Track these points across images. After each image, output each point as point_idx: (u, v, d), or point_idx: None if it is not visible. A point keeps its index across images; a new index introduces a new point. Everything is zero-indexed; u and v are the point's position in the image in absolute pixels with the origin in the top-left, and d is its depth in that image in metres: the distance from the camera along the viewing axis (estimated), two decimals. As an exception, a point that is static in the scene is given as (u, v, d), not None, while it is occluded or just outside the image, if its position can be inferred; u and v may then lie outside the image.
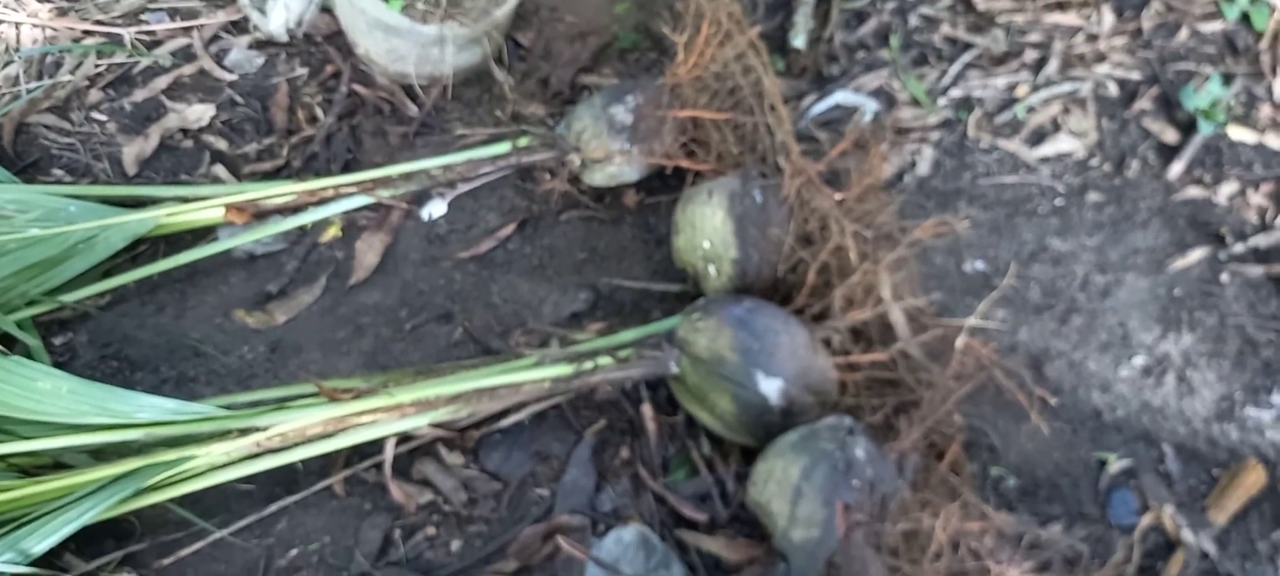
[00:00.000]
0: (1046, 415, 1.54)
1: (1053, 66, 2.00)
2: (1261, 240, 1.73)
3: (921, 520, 1.24)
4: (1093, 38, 2.04)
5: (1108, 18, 2.06)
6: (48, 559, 1.29)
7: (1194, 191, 1.83)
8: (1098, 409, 1.58)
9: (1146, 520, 1.43)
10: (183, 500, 1.36)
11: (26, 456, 1.37)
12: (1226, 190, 1.83)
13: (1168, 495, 1.46)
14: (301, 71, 1.88)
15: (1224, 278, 1.72)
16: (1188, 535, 1.40)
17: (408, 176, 1.67)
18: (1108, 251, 1.76)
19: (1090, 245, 1.77)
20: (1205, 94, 1.89)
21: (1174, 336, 1.66)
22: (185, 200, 1.60)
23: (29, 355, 1.45)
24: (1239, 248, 1.74)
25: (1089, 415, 1.57)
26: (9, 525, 1.29)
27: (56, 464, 1.38)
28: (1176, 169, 1.85)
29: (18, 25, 1.87)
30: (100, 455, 1.37)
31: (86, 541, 1.36)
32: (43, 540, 1.26)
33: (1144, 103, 1.93)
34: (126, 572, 1.36)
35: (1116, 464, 1.50)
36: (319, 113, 1.82)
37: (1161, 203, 1.82)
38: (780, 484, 1.28)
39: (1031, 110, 1.94)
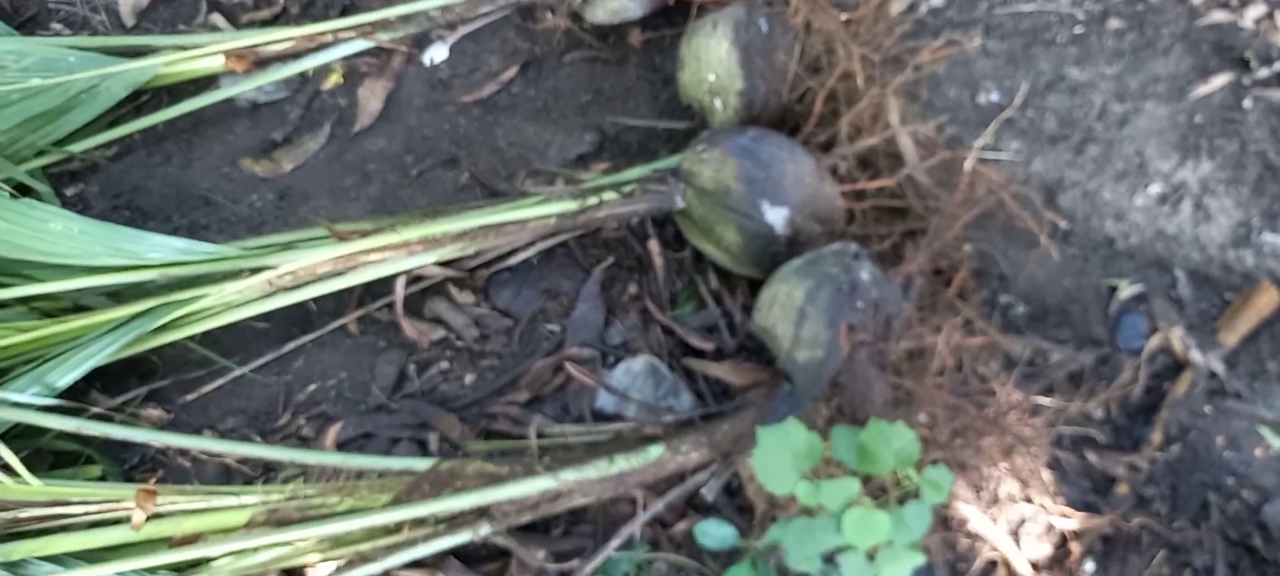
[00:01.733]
0: (1058, 243, 1.53)
1: (1076, -111, 1.91)
2: (1287, 62, 1.68)
3: (924, 338, 1.24)
4: None
5: None
6: (74, 395, 1.33)
7: (1219, 15, 1.77)
8: (1110, 237, 1.56)
9: (1155, 342, 1.42)
10: (202, 339, 1.39)
11: (46, 299, 1.41)
12: (1253, 13, 1.76)
13: (1178, 319, 1.46)
14: (298, -85, 1.83)
15: (1247, 103, 1.67)
16: (1196, 355, 1.40)
17: (407, 19, 1.64)
18: (1127, 79, 1.72)
19: (1109, 74, 1.73)
20: (1235, -89, 1.80)
21: (1192, 164, 1.62)
22: (184, 49, 1.59)
23: (41, 204, 1.47)
24: (1264, 72, 1.68)
25: (1101, 243, 1.55)
26: (33, 362, 1.33)
27: (76, 306, 1.41)
28: (1202, -9, 1.78)
29: (8, -122, 1.83)
30: (117, 297, 1.40)
31: (111, 380, 1.40)
32: (66, 374, 1.31)
33: (1170, -77, 1.85)
34: (151, 407, 1.41)
35: (1127, 289, 1.49)
36: (316, -43, 1.79)
37: (1185, 28, 1.76)
38: (784, 307, 1.28)
39: (1052, -65, 1.86)
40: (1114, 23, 1.78)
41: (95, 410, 1.37)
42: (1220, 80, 1.70)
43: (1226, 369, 1.39)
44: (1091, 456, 1.32)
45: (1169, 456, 1.33)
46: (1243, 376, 1.39)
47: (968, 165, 1.40)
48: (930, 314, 1.33)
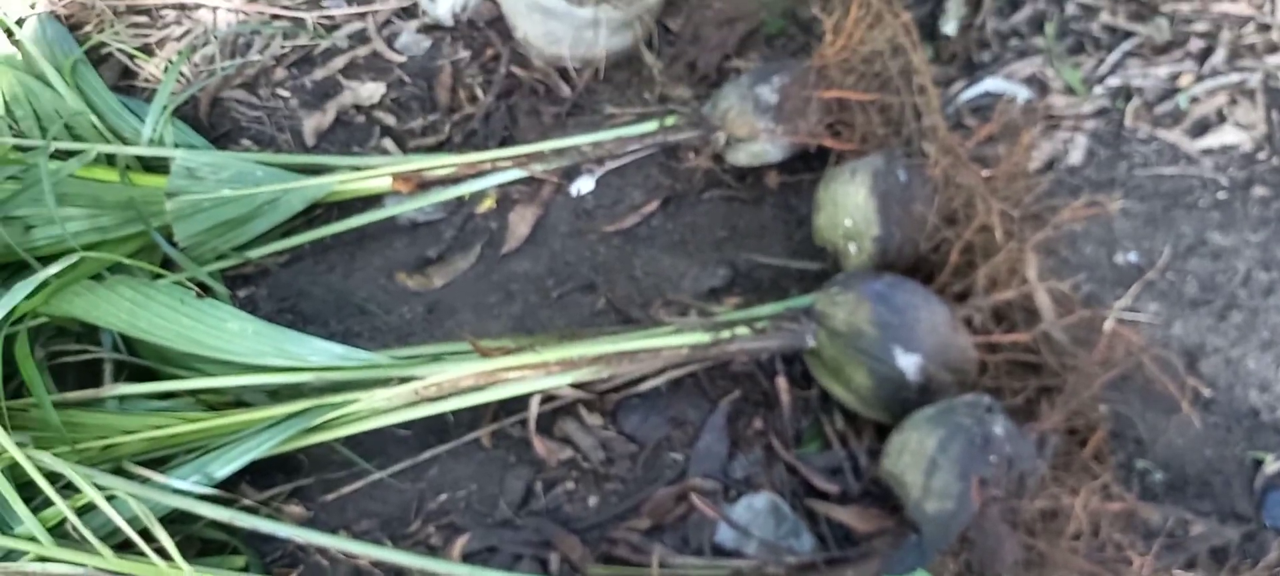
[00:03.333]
0: (1199, 410, 1.49)
1: (1220, 56, 1.91)
2: None
3: (1060, 499, 1.22)
4: (1264, 27, 1.94)
5: (1284, 5, 1.95)
6: (227, 487, 1.42)
7: (1376, 187, 1.72)
8: (1255, 408, 1.51)
9: (1308, 524, 1.35)
10: (346, 442, 1.47)
11: (212, 393, 1.52)
12: None
13: (1333, 501, 1.39)
14: (464, 54, 1.99)
15: None
16: (1354, 542, 1.33)
17: (559, 152, 1.75)
18: (1273, 248, 1.68)
19: (1254, 241, 1.69)
20: (1394, 84, 1.77)
21: (1346, 338, 1.56)
22: (357, 169, 1.73)
23: (217, 303, 1.60)
24: None
25: (1245, 414, 1.50)
26: (195, 452, 1.43)
27: (237, 401, 1.52)
28: (1357, 163, 1.74)
29: (215, 9, 2.05)
30: (276, 395, 1.51)
31: (260, 474, 1.49)
32: (224, 466, 1.39)
33: (1321, 93, 1.83)
34: (295, 504, 1.49)
35: (1274, 464, 1.43)
36: (479, 92, 1.93)
37: (1337, 198, 1.72)
38: (915, 455, 1.28)
39: (1195, 100, 1.86)
40: (1259, 190, 1.75)
41: (244, 502, 1.46)
42: (1377, 254, 1.64)
43: (1388, 560, 1.31)
44: (1237, 639, 1.26)
45: (1322, 648, 1.25)
46: None
47: (1107, 325, 1.38)
48: (1065, 475, 1.31)
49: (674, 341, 1.47)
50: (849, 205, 1.57)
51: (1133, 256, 1.70)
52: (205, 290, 1.60)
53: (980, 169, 1.53)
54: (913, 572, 1.12)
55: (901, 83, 1.66)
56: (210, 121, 1.88)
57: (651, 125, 1.79)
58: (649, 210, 1.78)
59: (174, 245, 1.62)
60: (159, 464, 1.41)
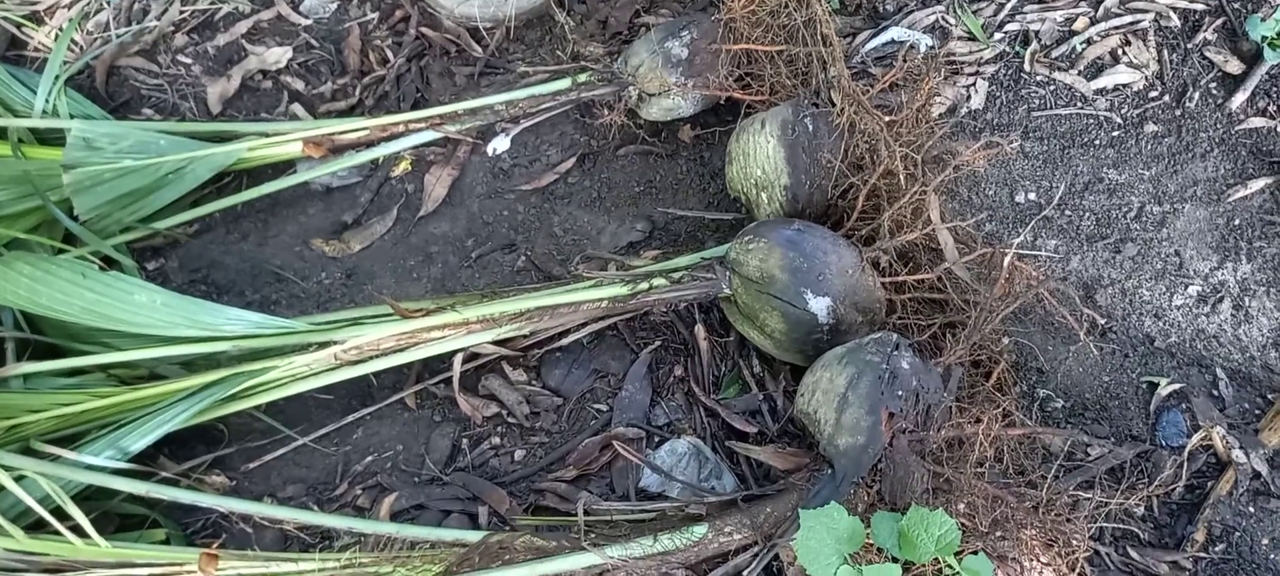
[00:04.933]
0: (1096, 339, 1.56)
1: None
2: (1325, 168, 1.71)
3: (964, 428, 1.27)
4: (1155, -31, 2.01)
5: (1171, -51, 2.03)
6: (143, 461, 1.40)
7: (1257, 121, 1.81)
8: (1149, 335, 1.59)
9: (1196, 439, 1.44)
10: (267, 409, 1.46)
11: (124, 367, 1.49)
12: (1291, 120, 1.80)
13: (1219, 418, 1.47)
14: (372, 16, 1.96)
15: (1286, 207, 1.70)
16: (1239, 455, 1.41)
17: (473, 112, 1.74)
18: (1165, 182, 1.76)
19: (1147, 176, 1.77)
20: (1272, 22, 1.86)
21: (1232, 265, 1.65)
22: (266, 135, 1.70)
23: (125, 277, 1.57)
24: (1302, 176, 1.72)
25: (1140, 341, 1.58)
26: (108, 427, 1.40)
27: (151, 374, 1.49)
28: (1240, 99, 1.83)
29: (108, -24, 1.98)
30: (191, 367, 1.48)
31: (179, 446, 1.47)
32: (140, 439, 1.38)
33: (1207, 33, 1.91)
34: (216, 474, 1.47)
35: (1167, 387, 1.51)
36: (389, 55, 1.91)
37: (1223, 133, 1.80)
38: (827, 393, 1.32)
39: (1090, 43, 1.93)
40: (1151, 127, 1.83)
41: (163, 475, 1.44)
42: (1258, 184, 1.74)
43: (1270, 470, 1.40)
44: (1134, 553, 1.33)
45: (1213, 556, 1.33)
46: (1286, 477, 1.39)
47: (1007, 261, 1.44)
48: (969, 405, 1.36)
49: (594, 295, 1.49)
50: (759, 156, 1.60)
51: (1032, 195, 1.76)
52: (110, 264, 1.56)
53: (884, 115, 1.57)
54: (827, 504, 1.16)
55: (807, 34, 1.68)
56: (108, 91, 1.83)
57: (565, 83, 1.79)
58: (565, 168, 1.79)
59: (74, 219, 1.57)
60: (70, 441, 1.38)
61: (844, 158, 1.56)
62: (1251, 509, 1.36)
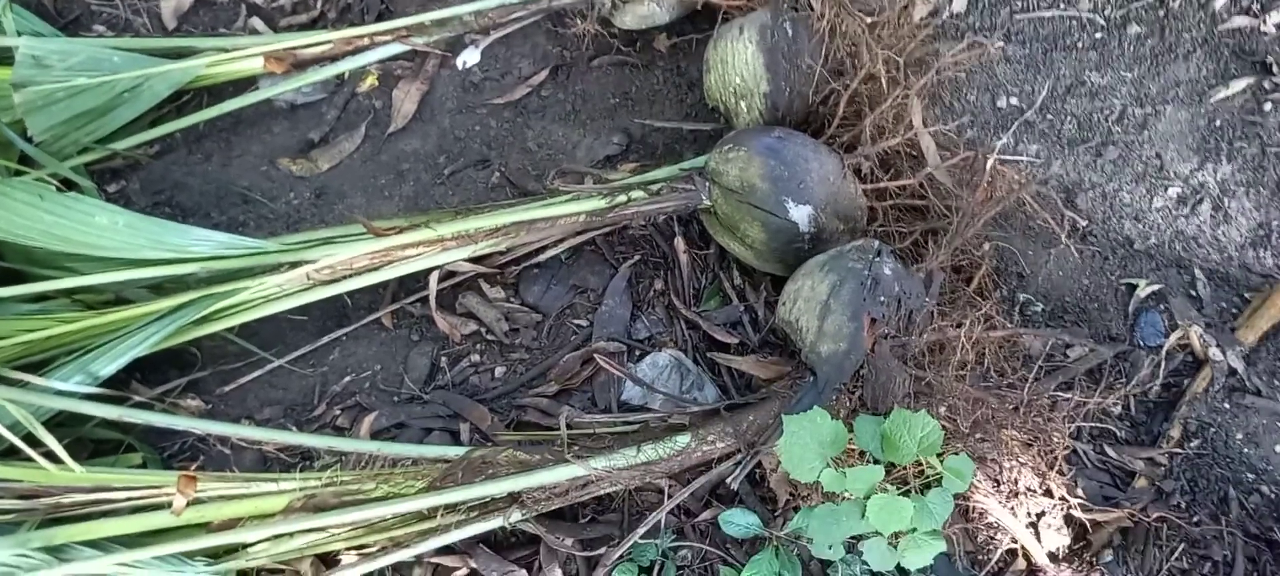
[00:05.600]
0: (1076, 242, 1.55)
1: (1096, -103, 1.93)
2: (1307, 66, 1.69)
3: (945, 332, 1.27)
4: None
5: None
6: (115, 385, 1.38)
7: (1240, 21, 1.79)
8: (1129, 237, 1.58)
9: (1174, 339, 1.44)
10: (240, 332, 1.43)
11: (88, 292, 1.45)
12: (1275, 18, 1.78)
13: (1197, 317, 1.48)
14: (332, -76, 1.88)
15: (1267, 107, 1.69)
16: (1216, 353, 1.42)
17: (441, 23, 1.69)
18: (1147, 84, 1.74)
19: (1129, 78, 1.75)
20: (1255, -81, 1.82)
21: (1212, 166, 1.64)
22: (225, 50, 1.64)
23: (85, 200, 1.52)
24: (1283, 75, 1.70)
25: (1120, 243, 1.57)
26: (76, 353, 1.37)
27: (117, 298, 1.46)
28: (1222, -2, 1.81)
29: (53, -112, 1.89)
30: (159, 290, 1.45)
31: (151, 371, 1.44)
32: (109, 364, 1.35)
33: (1190, -69, 1.87)
34: (190, 397, 1.45)
35: (1146, 288, 1.51)
36: (351, -36, 1.84)
37: (1205, 33, 1.78)
38: (809, 301, 1.31)
39: (1072, -58, 1.89)
40: (1134, 28, 1.80)
41: (136, 399, 1.42)
42: (1241, 84, 1.72)
43: (1246, 366, 1.41)
44: (1111, 451, 1.34)
45: (1188, 451, 1.35)
46: (1262, 374, 1.40)
47: (988, 166, 1.42)
48: (951, 309, 1.36)
49: (571, 209, 1.46)
50: (738, 63, 1.56)
51: (1014, 99, 1.74)
52: (70, 186, 1.51)
53: (866, 18, 1.53)
54: (812, 409, 1.15)
55: (785, -65, 1.64)
56: (57, 8, 1.75)
57: (535, -10, 1.74)
58: (538, 80, 1.74)
59: (29, 141, 1.52)
60: (37, 367, 1.35)
61: (825, 63, 1.52)
62: (1227, 405, 1.37)
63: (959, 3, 1.85)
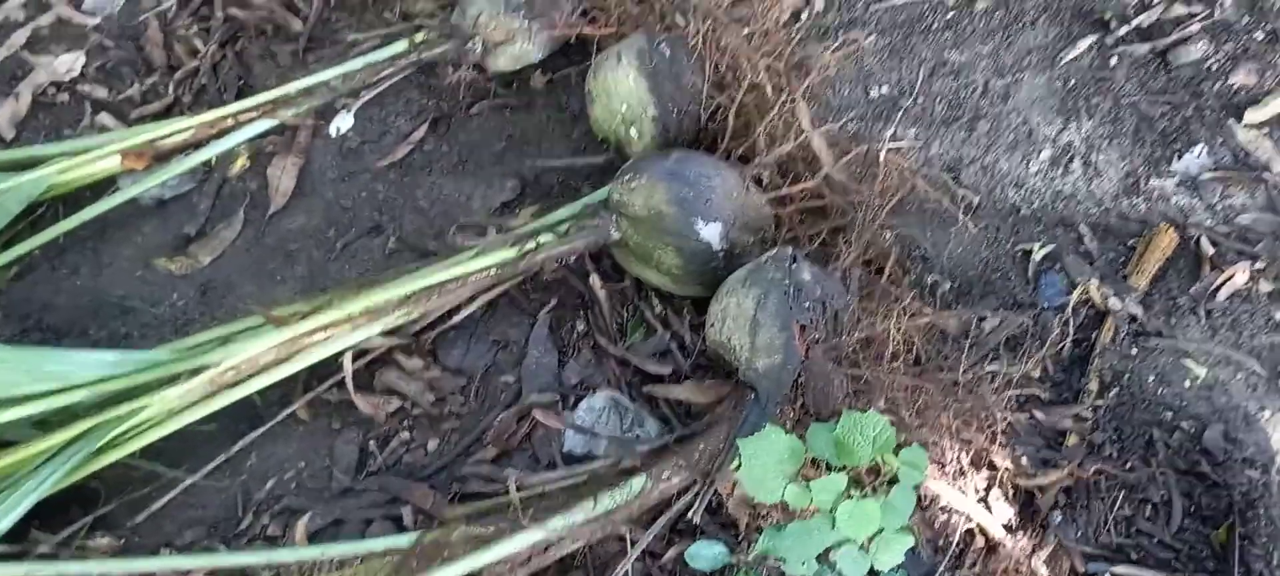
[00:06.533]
0: (969, 218, 1.62)
1: (926, -116, 2.02)
2: (1144, 19, 1.81)
3: (874, 327, 1.30)
4: None
5: None
6: (11, 538, 1.25)
7: (1075, -16, 1.90)
8: (1015, 205, 1.66)
9: (1075, 295, 1.51)
10: (144, 453, 1.33)
11: (-35, 441, 1.32)
12: (1104, -23, 1.90)
13: (1091, 271, 1.56)
14: (169, 3, 1.77)
15: (1113, 61, 1.80)
16: (1115, 303, 1.50)
17: (308, 92, 1.62)
18: (1002, 55, 1.83)
19: (985, 52, 1.83)
20: (1072, -113, 1.94)
21: (1074, 125, 1.74)
22: (76, 154, 1.52)
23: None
24: (1123, 30, 1.82)
25: (1008, 211, 1.65)
26: (-36, 510, 1.24)
27: (1, 442, 1.32)
28: (1055, -35, 1.91)
29: None
30: (45, 425, 1.32)
31: (50, 513, 1.32)
32: (3, 516, 1.22)
33: (1015, -96, 1.98)
34: (99, 536, 1.33)
35: (1040, 251, 1.58)
36: (198, 44, 1.74)
37: (1047, 0, 1.89)
38: (737, 319, 1.32)
39: (912, -70, 1.96)
40: (981, 4, 1.89)
41: (40, 550, 1.29)
42: (1085, 43, 1.83)
43: (1144, 310, 1.49)
44: (1039, 414, 1.40)
45: (1109, 401, 1.42)
46: (1159, 315, 1.49)
47: (881, 157, 1.46)
48: (871, 303, 1.39)
49: (479, 264, 1.42)
50: (621, 91, 1.55)
51: (885, 88, 1.80)
52: (-76, 329, 1.37)
53: (739, 28, 1.55)
54: (764, 427, 1.16)
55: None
56: (-127, 134, 1.59)
57: (401, 45, 1.68)
58: (419, 136, 1.69)
59: None
60: (-79, 535, 1.21)
61: (707, 78, 1.54)
62: (1134, 350, 1.45)
63: (818, 2, 1.90)
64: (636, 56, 1.55)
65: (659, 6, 1.67)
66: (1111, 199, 1.64)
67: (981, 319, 1.48)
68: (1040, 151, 1.71)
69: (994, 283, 1.55)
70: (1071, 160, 1.70)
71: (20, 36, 1.71)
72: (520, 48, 1.68)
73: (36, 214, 1.53)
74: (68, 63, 1.69)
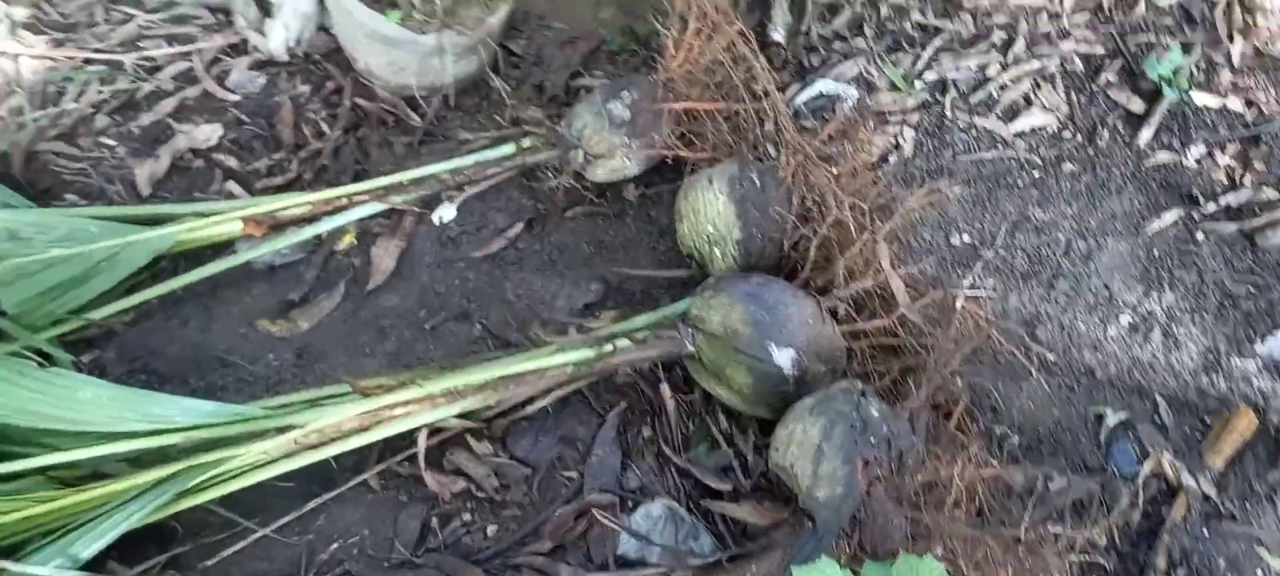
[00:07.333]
0: (1043, 374, 1.62)
1: (1020, 45, 2.09)
2: (1232, 199, 1.83)
3: (938, 472, 1.30)
4: (1055, 16, 2.13)
5: (1070, -2, 2.16)
6: (91, 566, 1.32)
7: (1164, 156, 1.93)
8: (1091, 367, 1.66)
9: (1147, 467, 1.50)
10: (223, 501, 1.39)
11: (66, 468, 1.40)
12: (1195, 153, 1.92)
13: (1165, 444, 1.54)
14: (304, 89, 1.93)
15: (1199, 236, 1.81)
16: (1188, 480, 1.47)
17: (418, 182, 1.72)
18: (1087, 218, 1.85)
19: (1069, 213, 1.86)
20: (1167, 62, 1.99)
21: (1157, 294, 1.74)
22: (202, 216, 1.64)
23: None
24: (1211, 207, 1.83)
25: (1083, 373, 1.65)
26: (54, 533, 1.32)
27: (94, 474, 1.41)
28: (1145, 136, 1.95)
29: (16, 57, 1.90)
30: (137, 463, 1.41)
31: (129, 547, 1.39)
32: (90, 544, 1.30)
33: (1109, 75, 2.03)
34: (171, 574, 1.40)
35: (1113, 417, 1.58)
36: (325, 127, 1.87)
37: (1134, 169, 1.91)
38: (802, 445, 1.34)
39: (1004, 88, 2.02)
40: (1068, 166, 1.93)
41: (116, 581, 1.36)
42: (1172, 216, 1.84)
43: (1218, 492, 1.47)
44: (1101, 581, 1.38)
45: (1174, 580, 1.39)
46: (1234, 498, 1.46)
47: (957, 305, 1.49)
48: (936, 448, 1.40)
49: (558, 360, 1.48)
50: (710, 212, 1.62)
51: (967, 237, 1.83)
52: (47, 359, 1.47)
53: (828, 166, 1.61)
54: (819, 559, 1.17)
55: (743, 88, 1.73)
56: (27, 178, 1.74)
57: (509, 148, 1.79)
58: (514, 233, 1.78)
59: (2, 314, 1.48)
60: (13, 551, 1.29)
61: (793, 209, 1.60)
62: (1206, 531, 1.43)
63: (906, 147, 1.96)
64: (727, 181, 1.62)
65: (753, 137, 1.75)
66: (1191, 373, 1.63)
67: (1048, 478, 1.47)
68: (1120, 317, 1.72)
69: (1064, 443, 1.55)
70: (1152, 329, 1.69)
71: (169, 104, 1.87)
72: (618, 162, 1.77)
73: (159, 266, 1.64)
74: (207, 133, 1.83)
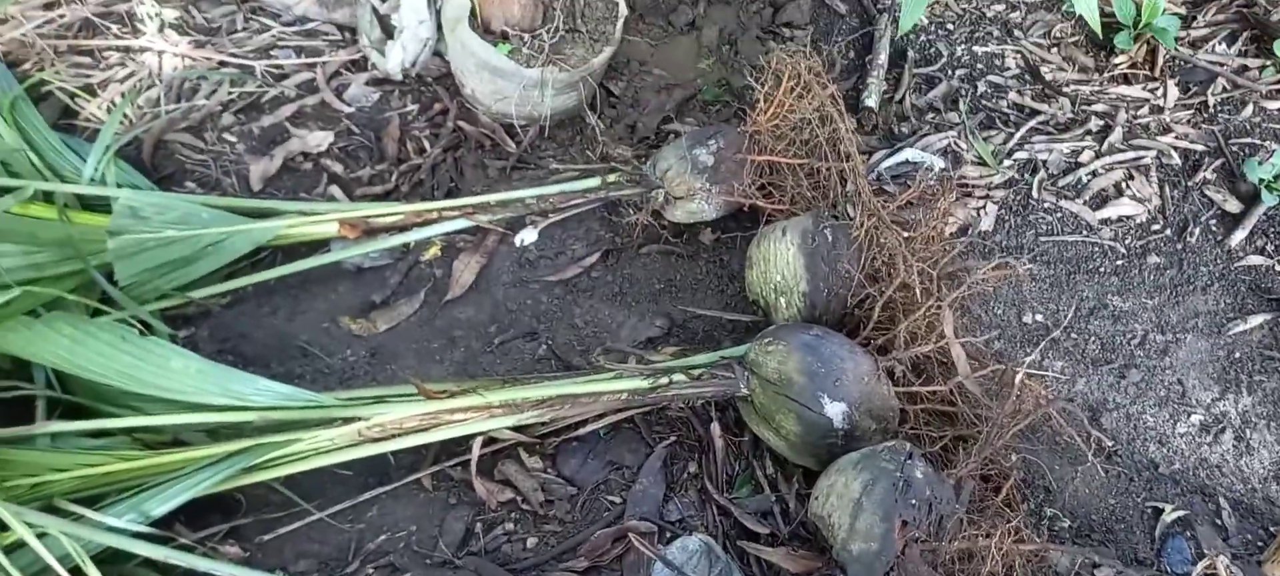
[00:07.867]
0: (1102, 461, 1.59)
1: (1117, 135, 2.07)
2: (1322, 308, 1.77)
3: (976, 540, 1.30)
4: (1157, 109, 2.11)
5: (1172, 92, 2.13)
6: (159, 525, 1.42)
7: (1256, 259, 1.88)
8: (1154, 461, 1.62)
9: (1201, 569, 1.46)
10: (286, 481, 1.48)
11: (149, 431, 1.51)
12: (1289, 260, 1.87)
13: (1223, 547, 1.50)
14: (412, 107, 2.04)
15: (1285, 343, 1.76)
16: (1241, 584, 1.43)
17: (504, 204, 1.81)
18: (1167, 312, 1.82)
19: (1150, 305, 1.83)
20: (1269, 166, 1.94)
21: (1233, 397, 1.70)
22: (304, 214, 1.76)
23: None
24: (1300, 314, 1.78)
25: (1145, 466, 1.61)
26: (130, 490, 1.42)
27: (175, 440, 1.52)
28: (1239, 237, 1.90)
29: (160, 54, 2.07)
30: (214, 435, 1.51)
31: (195, 514, 1.48)
32: (162, 504, 1.39)
33: (1207, 173, 1.99)
34: (230, 544, 1.49)
35: (1172, 513, 1.54)
36: (426, 145, 1.98)
37: (1223, 269, 1.87)
38: (841, 497, 1.35)
39: (1095, 175, 2.01)
40: (1154, 258, 1.90)
41: (180, 541, 1.46)
42: (1258, 320, 1.79)
43: (1272, 600, 1.42)
44: (1139, 677, 1.34)
45: (1217, 684, 1.35)
46: (1287, 609, 1.41)
47: (1017, 380, 1.48)
48: (980, 518, 1.39)
49: (614, 387, 1.53)
50: (779, 262, 1.66)
51: (1039, 317, 1.82)
52: (148, 329, 1.60)
53: (901, 231, 1.63)
54: (840, 606, 1.18)
55: (828, 149, 1.76)
56: (153, 163, 1.89)
57: (594, 181, 1.86)
58: (589, 262, 1.84)
59: (114, 284, 1.62)
60: (92, 502, 1.39)
61: (862, 268, 1.62)
62: (1255, 639, 1.38)
63: (986, 221, 1.96)
64: (800, 234, 1.65)
65: (832, 196, 1.78)
66: (1259, 480, 1.58)
67: (1095, 565, 1.44)
68: (1191, 415, 1.67)
69: (1116, 533, 1.52)
70: (1224, 431, 1.65)
71: (287, 110, 2.01)
72: (697, 205, 1.82)
73: (259, 256, 1.76)
74: (319, 139, 1.96)
